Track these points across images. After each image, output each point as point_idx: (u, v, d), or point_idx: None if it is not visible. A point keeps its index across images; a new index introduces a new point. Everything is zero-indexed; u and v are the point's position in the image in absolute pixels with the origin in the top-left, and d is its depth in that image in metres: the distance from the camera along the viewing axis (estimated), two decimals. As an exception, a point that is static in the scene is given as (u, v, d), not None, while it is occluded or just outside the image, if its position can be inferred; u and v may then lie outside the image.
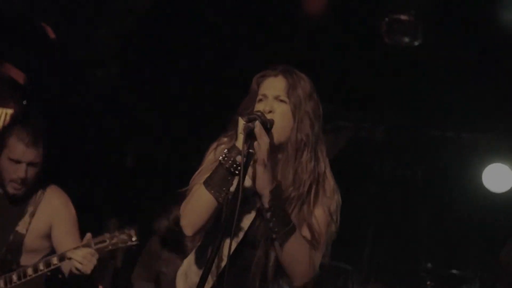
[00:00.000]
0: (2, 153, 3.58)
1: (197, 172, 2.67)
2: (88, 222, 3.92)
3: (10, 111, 5.49)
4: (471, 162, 6.48)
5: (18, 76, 5.42)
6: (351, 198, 2.77)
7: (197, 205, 2.54)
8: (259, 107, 2.60)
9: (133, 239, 3.31)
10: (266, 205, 2.49)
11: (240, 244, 2.56)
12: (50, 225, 3.71)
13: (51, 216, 3.70)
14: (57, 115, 5.64)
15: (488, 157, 6.44)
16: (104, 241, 3.30)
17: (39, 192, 3.71)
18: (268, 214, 2.49)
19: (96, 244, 3.29)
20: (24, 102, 4.84)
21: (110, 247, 3.31)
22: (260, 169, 2.47)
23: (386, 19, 5.17)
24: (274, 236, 2.50)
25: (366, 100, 6.41)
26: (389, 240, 6.73)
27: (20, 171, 3.56)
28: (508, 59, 5.47)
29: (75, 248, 3.31)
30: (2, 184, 3.61)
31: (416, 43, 5.26)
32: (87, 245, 3.29)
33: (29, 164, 3.57)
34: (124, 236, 3.31)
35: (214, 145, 2.72)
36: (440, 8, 5.19)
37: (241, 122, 2.44)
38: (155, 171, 6.93)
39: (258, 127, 2.43)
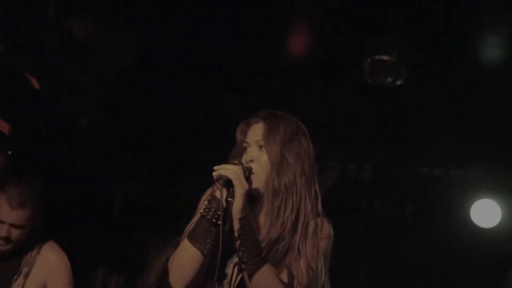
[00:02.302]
0: None
1: (190, 223, 2.64)
2: (77, 271, 3.87)
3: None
4: (459, 198, 6.50)
5: (3, 127, 5.40)
6: (341, 238, 2.75)
7: (183, 260, 2.52)
8: (244, 156, 2.62)
9: None
10: (236, 233, 2.46)
11: None
12: (45, 283, 3.65)
13: (46, 274, 3.64)
14: (42, 163, 5.61)
15: (476, 193, 6.47)
16: None
17: (34, 252, 3.65)
18: (238, 243, 2.46)
19: None
20: (10, 153, 4.80)
21: None
22: (238, 192, 2.46)
23: (368, 60, 5.24)
24: (243, 266, 2.46)
25: (352, 139, 6.44)
26: (380, 279, 6.69)
27: (1, 231, 3.51)
28: (492, 95, 5.54)
29: None
30: None
31: (399, 83, 5.33)
32: None
33: (12, 225, 3.52)
34: None
35: (209, 192, 2.69)
36: (421, 47, 5.26)
37: (215, 172, 2.46)
38: (143, 218, 6.87)
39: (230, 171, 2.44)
